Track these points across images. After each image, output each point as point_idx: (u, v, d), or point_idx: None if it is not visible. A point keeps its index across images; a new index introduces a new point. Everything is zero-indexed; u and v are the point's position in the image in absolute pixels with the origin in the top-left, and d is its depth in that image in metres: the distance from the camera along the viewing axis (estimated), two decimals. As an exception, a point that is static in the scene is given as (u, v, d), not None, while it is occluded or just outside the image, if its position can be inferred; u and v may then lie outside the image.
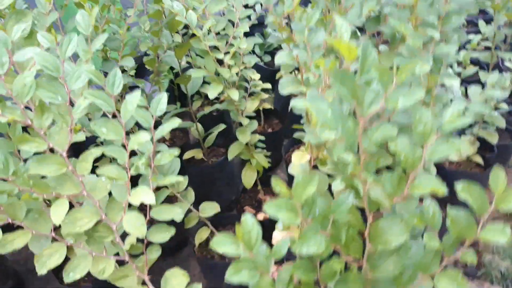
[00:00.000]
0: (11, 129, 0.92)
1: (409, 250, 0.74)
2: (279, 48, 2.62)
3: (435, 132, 0.62)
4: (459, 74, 2.13)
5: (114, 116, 0.87)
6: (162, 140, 2.12)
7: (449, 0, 0.84)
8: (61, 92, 0.79)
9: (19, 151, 0.96)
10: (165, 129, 0.94)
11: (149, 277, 1.01)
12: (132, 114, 0.83)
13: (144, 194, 0.86)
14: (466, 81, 2.12)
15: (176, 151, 0.97)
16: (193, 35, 1.32)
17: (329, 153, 0.85)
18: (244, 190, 1.84)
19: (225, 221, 1.71)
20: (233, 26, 1.37)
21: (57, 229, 0.90)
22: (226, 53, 1.34)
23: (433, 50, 0.84)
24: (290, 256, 0.69)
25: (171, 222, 1.77)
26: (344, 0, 0.92)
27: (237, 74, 1.48)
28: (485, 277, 1.70)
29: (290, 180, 2.08)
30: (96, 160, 0.96)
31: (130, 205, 0.92)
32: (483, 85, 1.75)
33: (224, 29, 1.38)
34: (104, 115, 0.91)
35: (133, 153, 0.91)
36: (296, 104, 0.71)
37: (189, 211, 1.51)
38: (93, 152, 0.86)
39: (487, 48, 1.72)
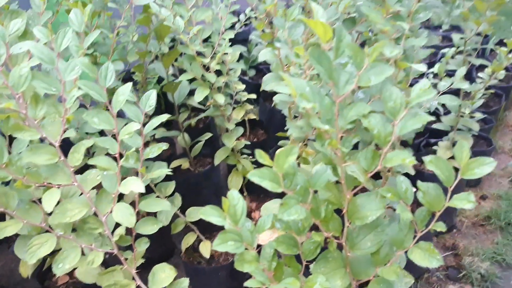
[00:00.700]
0: (4, 122, 0.95)
1: (386, 228, 0.79)
2: (263, 63, 2.70)
3: (404, 108, 0.68)
4: (434, 85, 2.23)
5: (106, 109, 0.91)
6: (149, 151, 2.15)
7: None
8: (55, 83, 0.83)
9: (10, 144, 0.99)
10: (153, 124, 0.98)
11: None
12: (122, 106, 0.87)
13: (133, 184, 0.89)
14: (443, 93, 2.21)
15: (164, 145, 1.01)
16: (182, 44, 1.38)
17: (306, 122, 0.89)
18: (230, 197, 1.87)
19: (212, 228, 1.73)
20: (219, 34, 1.44)
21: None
22: (212, 58, 1.40)
23: (404, 44, 0.91)
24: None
25: (159, 232, 1.78)
26: (321, -1, 0.99)
27: (225, 85, 1.54)
28: (466, 279, 1.74)
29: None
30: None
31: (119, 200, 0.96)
32: (458, 95, 1.85)
33: (210, 36, 1.44)
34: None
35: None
36: (279, 89, 0.77)
37: (176, 216, 1.53)
38: (85, 144, 0.89)
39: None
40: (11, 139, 0.99)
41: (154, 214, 1.26)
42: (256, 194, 1.90)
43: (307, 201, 0.70)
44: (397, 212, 0.71)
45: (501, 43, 3.14)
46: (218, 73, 1.51)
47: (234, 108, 1.79)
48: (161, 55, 1.50)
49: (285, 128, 1.12)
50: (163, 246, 1.85)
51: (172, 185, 1.43)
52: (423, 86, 0.67)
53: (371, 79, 0.67)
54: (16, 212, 0.88)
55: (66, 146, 0.92)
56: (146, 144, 1.11)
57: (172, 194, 1.46)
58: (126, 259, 1.00)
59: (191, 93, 1.66)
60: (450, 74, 1.85)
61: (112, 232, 0.97)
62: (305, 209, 0.67)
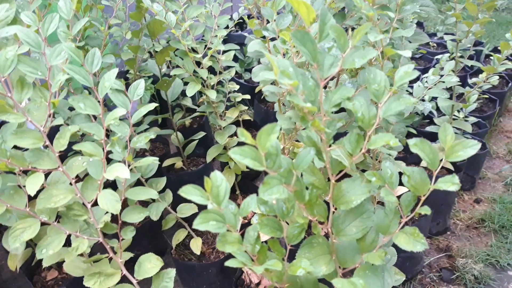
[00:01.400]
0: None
1: (371, 215, 0.78)
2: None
3: (388, 90, 0.68)
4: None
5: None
6: (142, 151, 2.15)
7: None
8: (41, 67, 0.83)
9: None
10: (141, 112, 0.98)
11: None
12: (108, 91, 0.87)
13: (119, 170, 0.89)
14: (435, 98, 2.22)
15: (152, 135, 1.01)
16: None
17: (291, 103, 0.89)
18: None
19: (203, 226, 1.71)
20: (212, 31, 1.44)
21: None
22: (205, 55, 1.41)
23: (391, 35, 0.92)
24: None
25: (150, 230, 1.77)
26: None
27: (218, 83, 1.54)
28: (460, 281, 1.73)
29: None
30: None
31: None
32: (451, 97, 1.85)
33: (203, 35, 1.45)
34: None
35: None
36: (266, 75, 0.76)
37: (167, 213, 1.52)
38: (70, 129, 0.89)
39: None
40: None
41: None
42: (249, 193, 1.89)
43: (291, 183, 0.70)
44: (381, 195, 0.70)
45: (495, 51, 3.17)
46: (212, 72, 1.51)
47: (227, 107, 1.79)
48: (154, 52, 1.51)
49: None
50: (155, 246, 1.84)
51: (163, 181, 1.42)
52: (407, 69, 0.67)
53: (356, 61, 0.67)
54: (0, 196, 0.87)
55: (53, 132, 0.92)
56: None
57: (163, 190, 1.45)
58: (112, 248, 0.99)
59: (185, 93, 1.67)
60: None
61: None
62: (287, 190, 0.67)
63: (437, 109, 2.19)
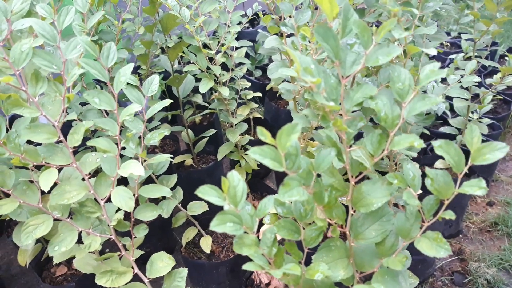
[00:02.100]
0: (5, 102, 0.94)
1: (391, 218, 0.76)
2: (269, 63, 2.69)
3: (413, 89, 0.66)
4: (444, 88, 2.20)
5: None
6: (152, 148, 2.14)
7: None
8: (56, 61, 0.82)
9: (10, 126, 0.97)
10: (156, 109, 0.96)
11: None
12: (123, 87, 0.85)
13: (133, 167, 0.87)
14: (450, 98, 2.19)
15: (166, 131, 0.99)
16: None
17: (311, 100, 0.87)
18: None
19: (213, 224, 1.70)
20: (225, 27, 1.43)
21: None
22: (218, 52, 1.39)
23: (413, 33, 0.89)
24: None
25: (160, 228, 1.76)
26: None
27: (230, 80, 1.52)
28: (472, 285, 1.70)
29: (279, 187, 2.09)
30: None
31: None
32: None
33: (216, 31, 1.43)
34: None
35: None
36: (284, 72, 0.75)
37: (177, 210, 1.51)
38: (85, 124, 0.88)
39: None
40: (12, 121, 0.98)
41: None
42: (259, 192, 1.88)
43: (310, 185, 0.68)
44: (403, 198, 0.68)
45: (510, 51, 3.11)
46: (224, 68, 1.49)
47: (238, 104, 1.77)
48: (167, 48, 1.49)
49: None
50: (164, 243, 1.83)
51: (174, 178, 1.41)
52: (432, 67, 0.64)
53: (379, 58, 0.65)
54: (13, 191, 0.86)
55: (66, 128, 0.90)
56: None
57: (174, 188, 1.44)
58: (124, 246, 0.97)
59: (196, 90, 1.65)
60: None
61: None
62: (307, 192, 0.65)
63: (450, 109, 2.16)
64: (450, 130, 1.95)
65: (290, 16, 0.88)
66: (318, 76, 0.62)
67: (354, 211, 0.76)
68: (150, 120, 1.57)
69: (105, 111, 1.30)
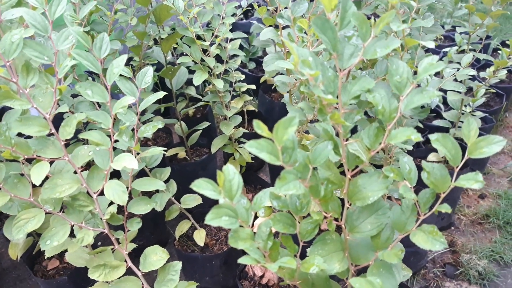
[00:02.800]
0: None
1: (387, 211, 0.76)
2: (263, 56, 2.68)
3: (411, 83, 0.65)
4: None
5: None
6: (145, 140, 2.12)
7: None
8: (47, 51, 0.80)
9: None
10: (150, 101, 0.95)
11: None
12: (116, 79, 0.84)
13: (127, 160, 0.86)
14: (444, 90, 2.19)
15: (160, 124, 0.98)
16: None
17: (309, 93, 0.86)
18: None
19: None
20: (219, 19, 1.41)
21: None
22: (212, 43, 1.37)
23: (409, 26, 0.89)
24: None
25: (153, 220, 1.75)
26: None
27: (224, 72, 1.51)
28: (463, 276, 1.72)
29: (272, 180, 2.09)
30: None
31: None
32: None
33: (210, 22, 1.41)
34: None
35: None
36: (281, 65, 0.74)
37: (171, 204, 1.50)
38: (77, 117, 0.86)
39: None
40: (2, 114, 0.96)
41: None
42: (253, 185, 1.87)
43: (306, 178, 0.67)
44: (400, 192, 0.68)
45: (503, 44, 3.13)
46: (218, 60, 1.48)
47: (232, 97, 1.76)
48: (160, 39, 1.47)
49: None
50: (157, 236, 1.82)
51: (167, 171, 1.40)
52: (430, 60, 0.64)
53: (377, 51, 0.64)
54: (3, 185, 0.84)
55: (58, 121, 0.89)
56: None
57: (168, 180, 1.43)
58: (117, 239, 0.96)
59: (190, 82, 1.64)
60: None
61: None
62: (303, 186, 0.64)
63: (443, 102, 2.16)
64: (443, 123, 1.96)
65: (286, 8, 0.86)
66: (316, 68, 0.61)
67: (350, 205, 0.76)
68: (143, 112, 1.55)
69: (97, 103, 1.29)
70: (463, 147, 0.66)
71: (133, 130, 0.99)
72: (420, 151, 1.95)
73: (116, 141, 0.95)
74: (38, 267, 1.46)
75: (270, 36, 0.96)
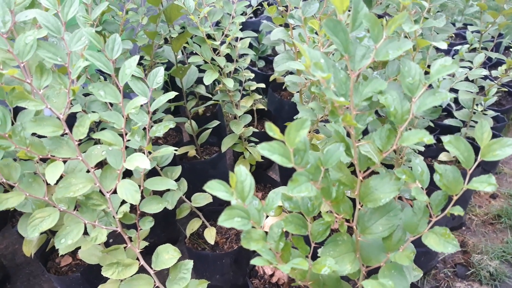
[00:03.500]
0: (9, 94, 0.93)
1: (399, 213, 0.76)
2: (273, 54, 2.67)
3: (423, 84, 0.65)
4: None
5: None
6: (155, 139, 2.13)
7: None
8: (61, 53, 0.81)
9: (15, 119, 0.97)
10: (161, 101, 0.96)
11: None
12: (129, 81, 0.85)
13: (139, 160, 0.87)
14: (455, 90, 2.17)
15: (172, 124, 0.98)
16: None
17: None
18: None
19: (217, 215, 1.70)
20: (230, 18, 1.41)
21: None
22: (222, 43, 1.38)
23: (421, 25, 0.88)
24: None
25: (164, 218, 1.76)
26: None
27: (234, 71, 1.51)
28: (474, 277, 1.70)
29: (282, 179, 2.09)
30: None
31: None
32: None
33: (220, 21, 1.42)
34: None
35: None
36: (292, 65, 0.74)
37: (182, 202, 1.51)
38: (90, 117, 0.87)
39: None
40: (16, 113, 0.97)
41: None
42: (262, 184, 1.88)
43: (318, 180, 0.67)
44: (412, 194, 0.68)
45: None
46: (228, 59, 1.48)
47: (242, 96, 1.76)
48: (170, 38, 1.48)
49: (294, 118, 1.09)
50: (168, 234, 1.83)
51: (178, 170, 1.41)
52: (443, 62, 0.64)
53: (389, 53, 0.64)
54: (18, 184, 0.86)
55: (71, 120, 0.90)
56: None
57: (178, 179, 1.44)
58: (130, 238, 0.97)
59: (200, 81, 1.64)
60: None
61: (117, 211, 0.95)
62: (315, 188, 0.65)
63: (454, 101, 2.14)
64: (454, 123, 1.94)
65: (296, 7, 0.86)
66: (328, 71, 0.61)
67: (362, 206, 0.76)
68: (154, 111, 1.56)
69: (110, 103, 1.30)
70: (475, 147, 0.65)
71: (144, 129, 1.00)
72: (431, 151, 1.93)
73: (128, 140, 0.96)
74: (51, 264, 1.48)
75: (281, 36, 0.96)
